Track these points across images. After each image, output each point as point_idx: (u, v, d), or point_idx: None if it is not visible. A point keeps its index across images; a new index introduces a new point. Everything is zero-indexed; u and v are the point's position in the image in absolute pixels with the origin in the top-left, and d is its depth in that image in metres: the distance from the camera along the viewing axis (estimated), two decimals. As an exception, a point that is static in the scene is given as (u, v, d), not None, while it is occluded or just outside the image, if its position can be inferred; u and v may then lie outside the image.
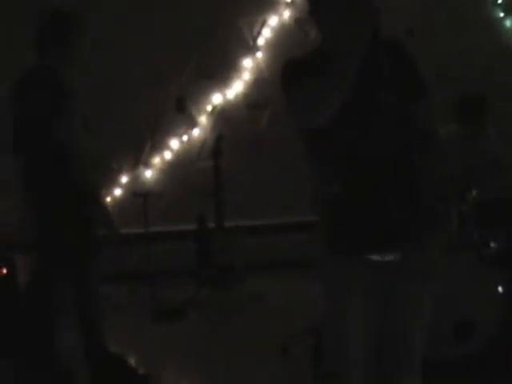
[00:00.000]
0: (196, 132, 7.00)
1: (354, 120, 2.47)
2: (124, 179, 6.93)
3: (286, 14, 7.02)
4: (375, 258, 2.54)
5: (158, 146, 6.92)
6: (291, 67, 2.59)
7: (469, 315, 4.25)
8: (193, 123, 7.00)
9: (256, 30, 6.99)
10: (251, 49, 6.98)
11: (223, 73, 6.95)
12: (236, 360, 4.77)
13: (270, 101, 6.73)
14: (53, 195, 3.94)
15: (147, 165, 6.94)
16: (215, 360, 4.81)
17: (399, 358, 2.67)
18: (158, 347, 5.11)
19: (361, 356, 2.60)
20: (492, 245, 4.79)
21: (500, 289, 4.37)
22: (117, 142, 6.49)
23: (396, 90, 2.49)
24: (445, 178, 2.86)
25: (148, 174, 6.98)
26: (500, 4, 7.20)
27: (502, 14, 7.23)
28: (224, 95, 7.00)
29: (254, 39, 6.99)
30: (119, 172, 6.90)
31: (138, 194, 6.40)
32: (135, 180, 6.96)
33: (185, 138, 7.00)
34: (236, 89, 7.01)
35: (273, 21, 7.00)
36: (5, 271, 5.03)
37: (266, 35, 7.00)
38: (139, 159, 6.95)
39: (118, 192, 6.88)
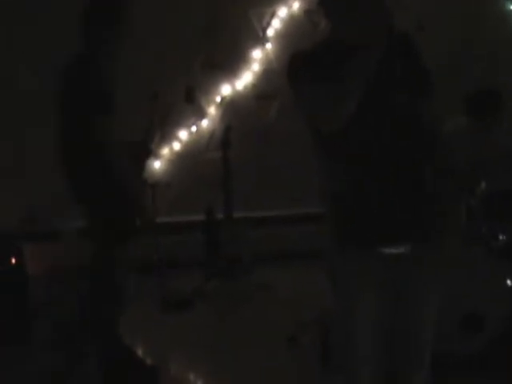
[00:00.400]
0: (205, 123, 6.99)
1: (367, 120, 2.45)
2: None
3: (296, 5, 7.01)
4: (387, 250, 2.53)
5: (167, 136, 6.92)
6: (299, 59, 2.57)
7: (477, 309, 4.24)
8: (202, 114, 7.00)
9: (266, 21, 6.97)
10: (261, 40, 6.97)
11: (232, 64, 6.93)
12: (244, 351, 4.77)
13: (278, 92, 6.71)
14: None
15: (156, 155, 6.94)
16: (223, 351, 4.82)
17: (410, 353, 2.66)
18: (166, 338, 5.12)
19: (370, 353, 2.59)
20: (501, 237, 4.77)
21: (509, 282, 4.35)
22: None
23: (407, 89, 2.48)
24: (452, 173, 2.84)
25: (157, 164, 6.98)
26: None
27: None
28: (233, 86, 6.99)
29: (264, 30, 6.97)
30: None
31: (147, 185, 6.39)
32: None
33: (194, 128, 7.00)
34: (245, 80, 7.00)
35: (282, 12, 6.98)
36: (14, 261, 5.04)
37: (275, 26, 6.99)
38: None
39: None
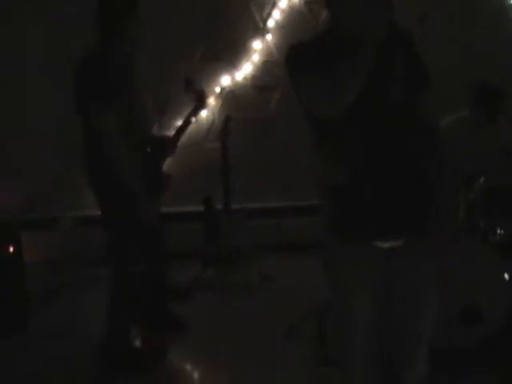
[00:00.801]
0: (204, 113, 6.97)
1: (366, 114, 2.45)
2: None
3: (297, -5, 6.98)
4: (383, 244, 2.54)
5: (166, 126, 6.90)
6: (299, 49, 2.56)
7: (475, 303, 4.24)
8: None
9: (266, 11, 6.95)
10: (261, 30, 6.95)
11: (232, 54, 6.92)
12: (244, 341, 4.78)
13: (278, 83, 6.70)
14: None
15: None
16: (223, 341, 4.83)
17: (405, 346, 2.67)
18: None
19: (366, 347, 2.60)
20: (499, 232, 4.77)
21: (506, 276, 4.35)
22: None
23: (406, 84, 2.48)
24: (451, 168, 2.85)
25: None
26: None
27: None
28: (233, 77, 6.98)
29: (264, 21, 6.95)
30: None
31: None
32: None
33: (193, 119, 6.97)
34: (245, 70, 6.98)
35: (283, 3, 6.96)
36: (11, 249, 5.03)
37: (275, 17, 6.96)
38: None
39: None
